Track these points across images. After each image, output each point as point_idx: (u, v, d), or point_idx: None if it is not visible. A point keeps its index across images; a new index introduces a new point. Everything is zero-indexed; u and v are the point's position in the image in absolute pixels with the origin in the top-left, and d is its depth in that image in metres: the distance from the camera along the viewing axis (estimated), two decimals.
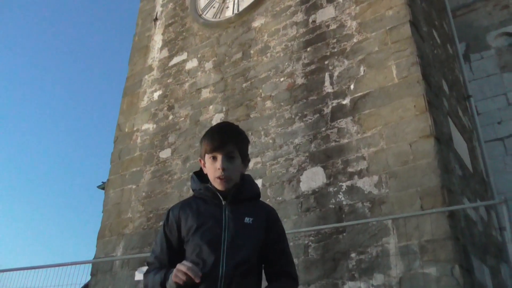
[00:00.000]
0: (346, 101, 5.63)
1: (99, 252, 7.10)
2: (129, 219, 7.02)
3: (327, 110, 5.74)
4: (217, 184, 1.82)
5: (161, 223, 6.62)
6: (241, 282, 1.69)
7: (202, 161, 1.90)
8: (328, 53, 6.10)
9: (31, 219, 36.15)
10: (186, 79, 7.67)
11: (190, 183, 1.96)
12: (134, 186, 7.29)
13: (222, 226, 1.76)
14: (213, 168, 1.82)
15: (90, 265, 6.85)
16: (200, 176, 1.93)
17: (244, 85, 6.79)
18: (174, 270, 1.64)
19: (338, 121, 5.58)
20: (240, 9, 7.55)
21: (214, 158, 1.82)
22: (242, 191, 1.86)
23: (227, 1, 7.93)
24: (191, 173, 6.86)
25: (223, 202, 1.82)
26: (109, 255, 6.89)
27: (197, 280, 1.59)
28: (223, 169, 1.79)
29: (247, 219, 1.80)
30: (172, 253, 1.80)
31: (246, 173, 1.96)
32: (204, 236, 1.74)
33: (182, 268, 1.61)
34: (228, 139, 1.83)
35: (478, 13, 8.51)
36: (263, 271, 1.84)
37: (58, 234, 37.01)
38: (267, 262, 1.81)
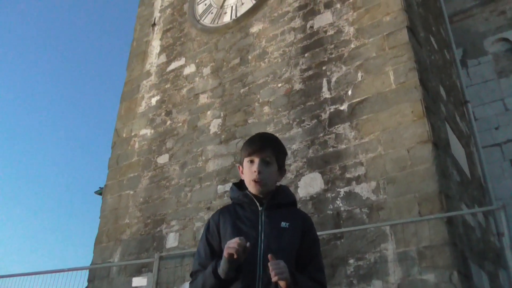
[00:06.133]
0: (343, 107, 5.63)
1: (96, 258, 7.07)
2: (126, 224, 6.99)
3: (324, 116, 5.74)
4: (252, 187, 1.89)
5: (160, 231, 6.54)
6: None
7: (241, 168, 1.98)
8: (325, 59, 6.11)
9: (28, 225, 36.05)
10: (184, 85, 7.66)
11: (229, 192, 2.04)
12: (131, 192, 7.27)
13: (258, 230, 1.82)
14: (249, 172, 1.91)
15: (87, 271, 6.82)
16: (238, 187, 2.01)
17: (242, 90, 6.79)
18: (225, 247, 1.69)
19: (336, 126, 5.58)
20: (238, 15, 7.56)
21: (252, 162, 1.91)
22: (278, 197, 1.92)
23: (225, 7, 7.94)
24: (188, 179, 6.79)
25: (260, 208, 1.88)
26: (106, 261, 6.86)
27: (248, 246, 1.65)
28: (259, 172, 1.87)
29: (283, 224, 1.86)
30: (216, 257, 1.83)
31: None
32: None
33: (231, 243, 1.66)
34: (266, 145, 1.93)
35: (475, 18, 8.55)
36: None
37: (56, 240, 36.89)
38: (298, 267, 1.83)
